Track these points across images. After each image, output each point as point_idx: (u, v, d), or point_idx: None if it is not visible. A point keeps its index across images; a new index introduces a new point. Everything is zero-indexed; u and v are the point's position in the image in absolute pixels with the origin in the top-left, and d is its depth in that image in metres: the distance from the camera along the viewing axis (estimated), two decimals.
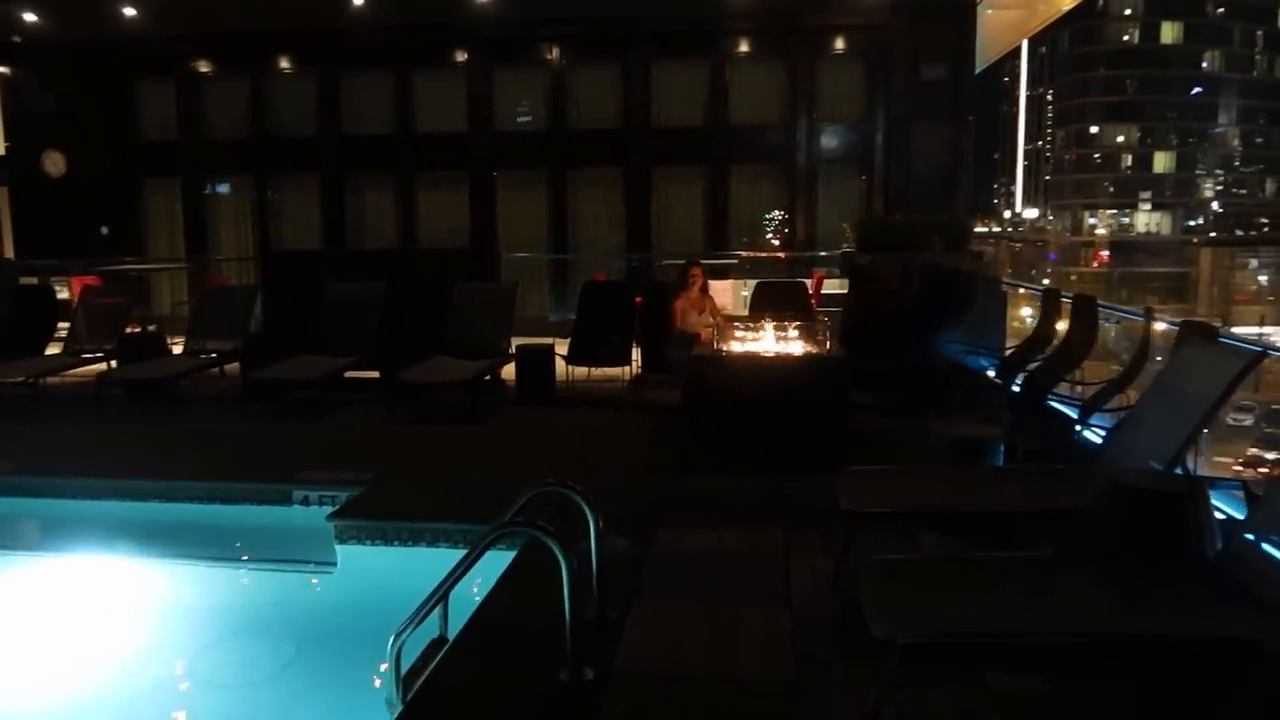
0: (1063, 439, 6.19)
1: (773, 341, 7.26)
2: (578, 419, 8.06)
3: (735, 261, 10.61)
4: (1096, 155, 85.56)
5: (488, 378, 8.77)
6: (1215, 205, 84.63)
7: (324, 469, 6.43)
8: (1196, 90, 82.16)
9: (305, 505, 6.22)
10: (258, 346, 9.36)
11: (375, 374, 8.85)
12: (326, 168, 15.03)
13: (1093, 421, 5.90)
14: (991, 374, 8.12)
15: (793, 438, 6.58)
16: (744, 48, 14.33)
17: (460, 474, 6.39)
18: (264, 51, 14.96)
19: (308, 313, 9.60)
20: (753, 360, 6.98)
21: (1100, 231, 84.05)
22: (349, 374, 8.83)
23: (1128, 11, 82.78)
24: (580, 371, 9.09)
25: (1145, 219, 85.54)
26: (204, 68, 15.40)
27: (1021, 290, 10.34)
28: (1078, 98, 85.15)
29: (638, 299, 9.30)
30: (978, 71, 14.36)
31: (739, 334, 7.42)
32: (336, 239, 14.90)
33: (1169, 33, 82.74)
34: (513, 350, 8.98)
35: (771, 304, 8.99)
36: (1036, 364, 7.24)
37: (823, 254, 13.26)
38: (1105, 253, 78.31)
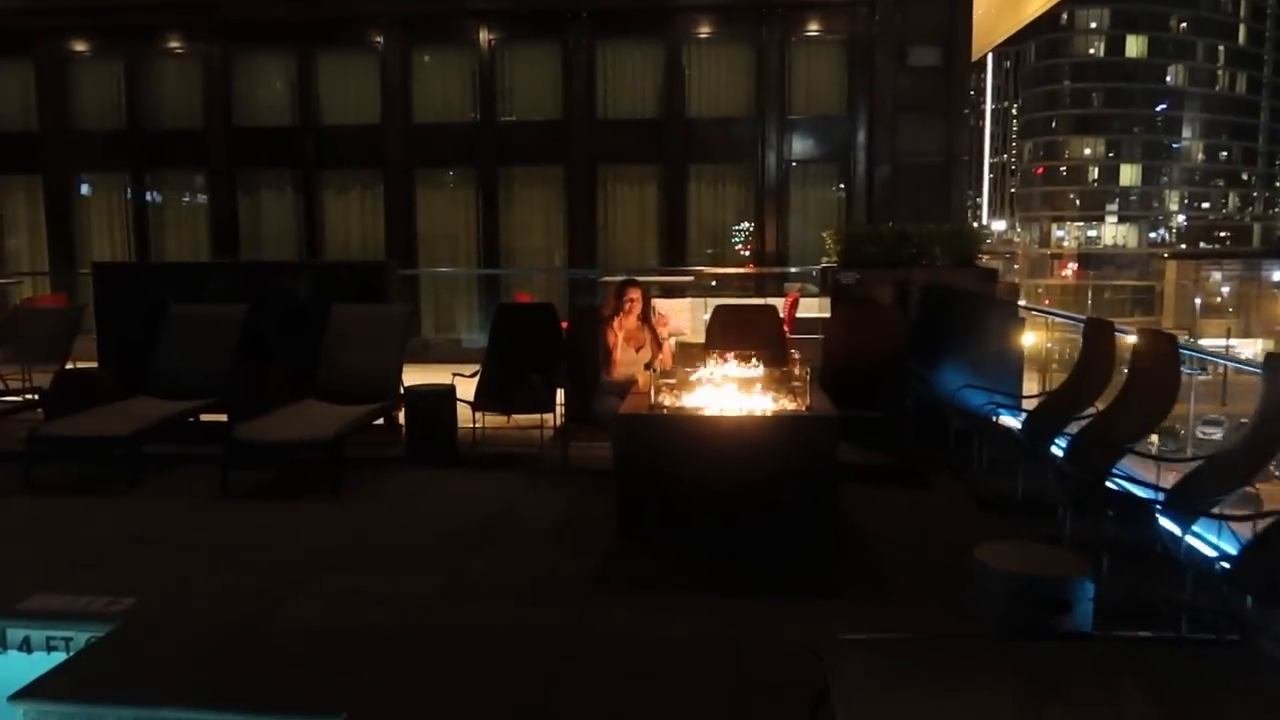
0: (1145, 540, 4.26)
1: (733, 391, 5.30)
2: (475, 491, 6.06)
3: (692, 279, 8.68)
4: (1063, 168, 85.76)
5: (380, 421, 7.01)
6: (1180, 218, 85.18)
7: (68, 589, 4.35)
8: (1161, 106, 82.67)
9: (26, 652, 4.13)
10: (68, 388, 7.26)
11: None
12: (215, 164, 12.81)
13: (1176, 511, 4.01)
14: (1014, 425, 6.22)
15: (759, 534, 4.62)
16: (705, 29, 12.35)
17: (264, 600, 4.28)
18: (142, 27, 12.70)
19: (151, 342, 7.55)
20: (704, 423, 4.97)
21: (1067, 244, 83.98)
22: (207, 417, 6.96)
23: (1093, 25, 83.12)
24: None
25: (1112, 231, 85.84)
26: (71, 47, 13.13)
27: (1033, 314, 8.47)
28: (1044, 110, 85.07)
29: (564, 323, 7.32)
30: (975, 57, 12.52)
31: (688, 380, 5.45)
32: (227, 248, 12.71)
33: (1134, 46, 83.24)
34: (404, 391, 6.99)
35: (735, 331, 7.06)
36: (1086, 420, 5.32)
37: (796, 270, 11.31)
38: (1074, 265, 78.05)
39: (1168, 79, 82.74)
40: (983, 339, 6.98)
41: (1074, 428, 5.41)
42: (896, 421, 6.45)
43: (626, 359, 6.12)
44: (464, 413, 6.87)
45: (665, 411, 5.04)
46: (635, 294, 6.22)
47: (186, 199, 13.26)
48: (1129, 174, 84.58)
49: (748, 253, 12.74)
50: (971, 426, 6.30)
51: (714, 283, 11.58)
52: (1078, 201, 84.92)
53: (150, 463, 6.29)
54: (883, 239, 7.71)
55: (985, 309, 6.92)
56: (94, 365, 7.78)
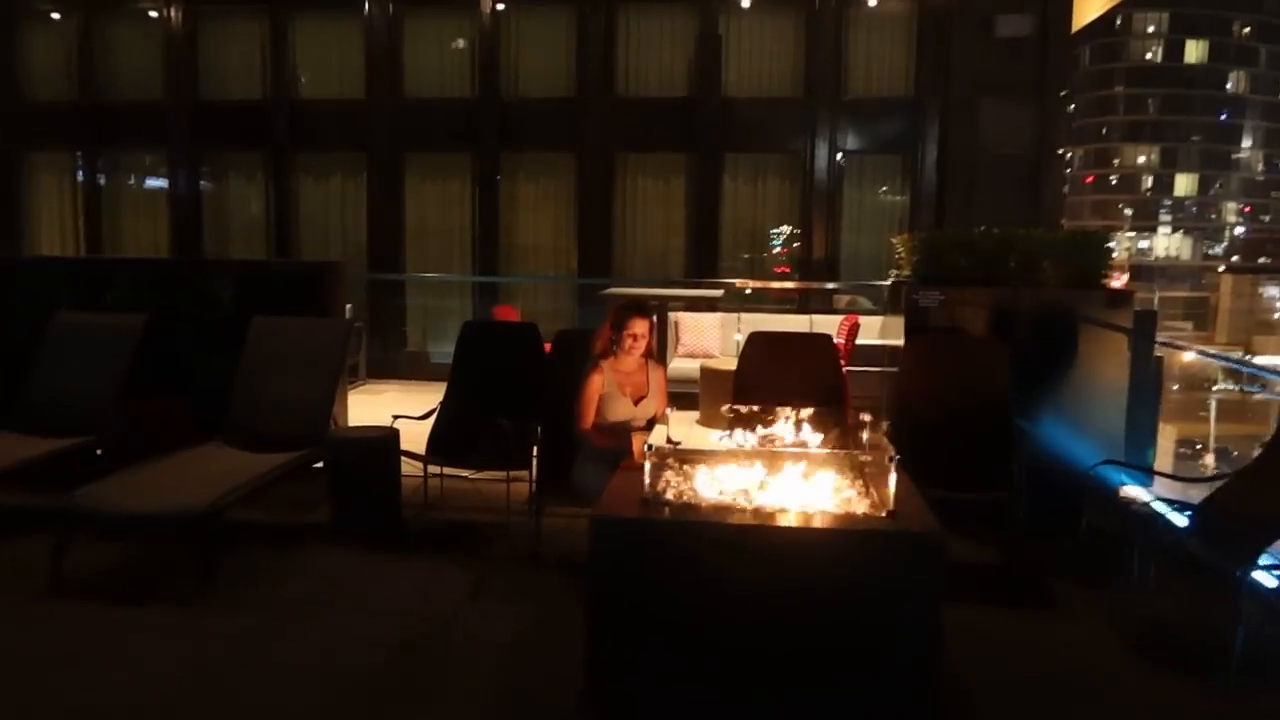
0: None
1: (772, 477, 3.48)
2: (404, 592, 4.32)
3: (722, 293, 6.86)
4: (1113, 177, 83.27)
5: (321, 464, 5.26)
6: (1238, 230, 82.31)
7: None
8: (1223, 115, 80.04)
9: None
10: None
11: None
12: (176, 143, 11.11)
13: None
14: (1180, 522, 4.33)
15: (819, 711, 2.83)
16: None
17: None
18: None
19: (27, 360, 5.94)
20: (730, 537, 3.15)
21: (1118, 255, 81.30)
22: None
23: (1151, 29, 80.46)
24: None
25: (1165, 243, 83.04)
26: (16, 6, 11.50)
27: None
28: (1095, 116, 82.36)
29: (548, 346, 5.58)
30: (1076, 28, 10.46)
31: (704, 456, 3.66)
32: (189, 241, 11.03)
33: (1193, 51, 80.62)
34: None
35: (774, 368, 5.19)
36: None
37: (848, 286, 9.39)
38: (1125, 276, 75.39)
39: (1228, 86, 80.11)
40: (1120, 392, 5.09)
41: None
42: (1003, 504, 4.56)
43: (619, 412, 4.28)
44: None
45: (668, 513, 3.19)
46: (641, 327, 4.35)
47: (145, 183, 11.57)
48: (1184, 184, 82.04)
49: (788, 260, 10.85)
50: (1116, 524, 4.40)
51: (748, 291, 9.73)
52: (1129, 211, 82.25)
53: None
54: (977, 247, 5.79)
55: (1134, 351, 5.00)
56: None
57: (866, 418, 4.06)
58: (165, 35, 11.07)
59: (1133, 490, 4.88)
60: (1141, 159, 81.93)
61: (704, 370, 7.79)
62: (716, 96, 10.47)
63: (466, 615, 3.98)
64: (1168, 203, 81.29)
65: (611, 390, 4.29)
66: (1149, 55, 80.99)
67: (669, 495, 3.31)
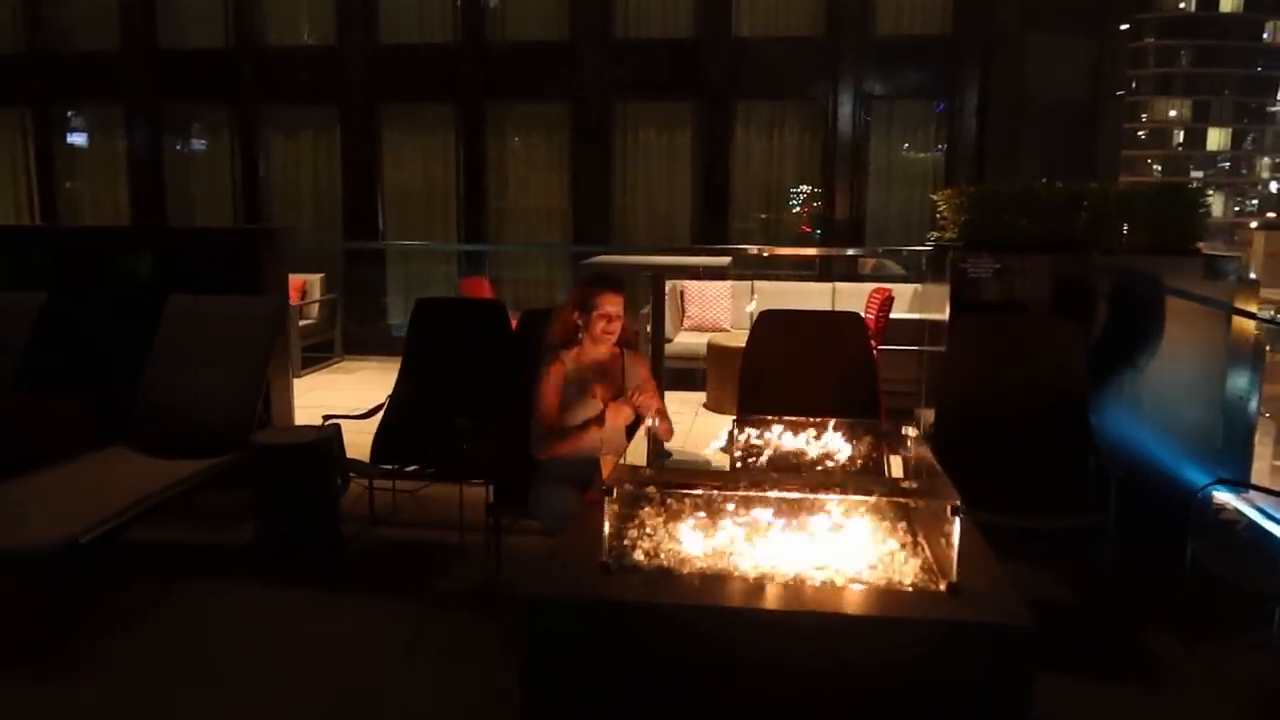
0: None
1: (780, 520, 2.50)
2: (319, 647, 3.45)
3: (728, 262, 5.85)
4: (1142, 131, 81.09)
5: (230, 472, 4.43)
6: (1273, 185, 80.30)
7: None
8: (1259, 67, 77.66)
9: None
10: None
11: None
12: (132, 98, 10.10)
13: None
14: None
15: None
16: None
17: None
18: None
19: None
20: (721, 624, 2.16)
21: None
22: None
23: None
24: None
25: None
26: None
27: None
28: (1127, 69, 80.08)
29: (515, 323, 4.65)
30: None
31: (695, 488, 2.69)
32: (150, 207, 10.06)
33: (1229, 0, 78.00)
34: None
35: (789, 356, 4.22)
36: None
37: (879, 251, 8.32)
38: None
39: (1264, 36, 77.62)
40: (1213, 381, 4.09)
41: None
42: (1085, 532, 3.58)
43: (581, 414, 3.28)
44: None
45: (632, 588, 2.23)
46: (614, 305, 3.34)
47: (100, 141, 10.57)
48: (1217, 138, 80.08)
49: (807, 219, 9.76)
50: (1234, 560, 3.42)
51: (765, 254, 8.70)
52: (1158, 167, 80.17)
53: None
54: (1041, 204, 4.73)
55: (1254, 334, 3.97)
56: None
57: (911, 432, 3.07)
58: None
59: (1249, 511, 3.90)
60: (1173, 113, 79.63)
61: (711, 347, 6.73)
62: (727, 36, 9.30)
63: (395, 682, 3.07)
64: (1200, 158, 79.14)
65: (575, 390, 3.30)
66: (1182, 5, 78.39)
67: (638, 554, 2.35)
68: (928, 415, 5.35)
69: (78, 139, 10.51)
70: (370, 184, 9.87)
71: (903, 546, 2.43)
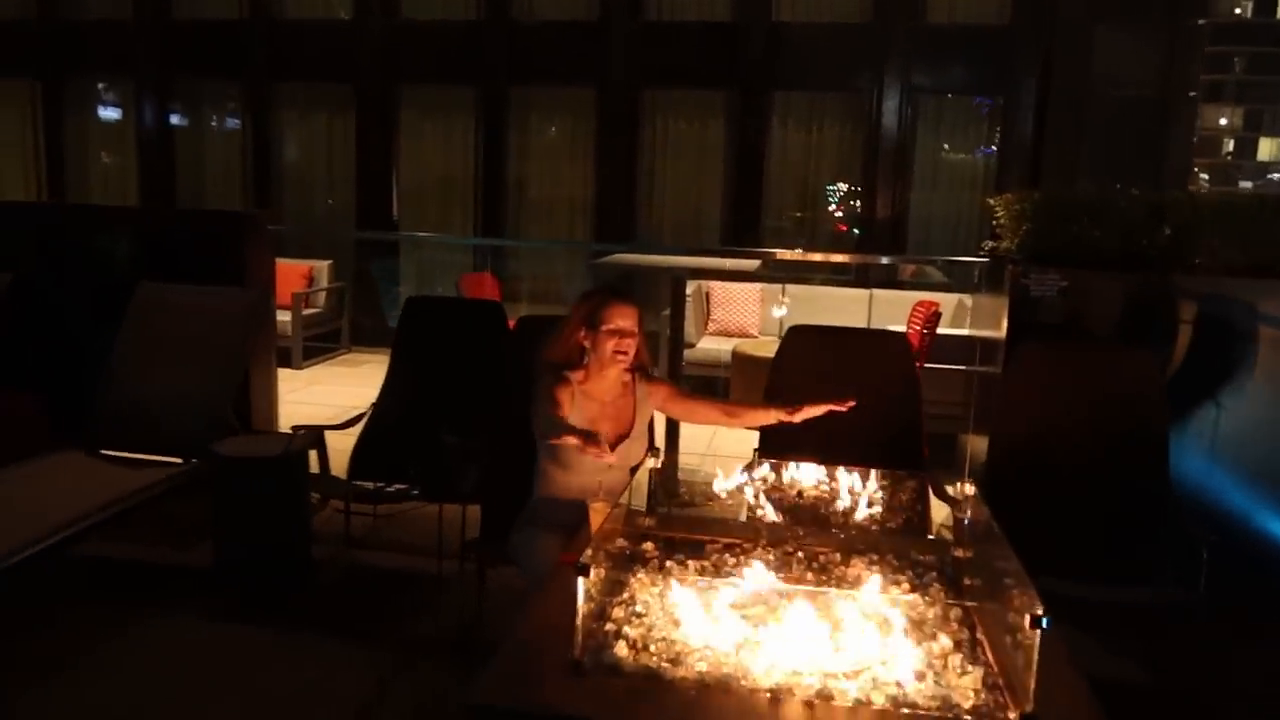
0: None
1: (803, 604, 1.95)
2: (276, 702, 2.99)
3: (758, 264, 5.31)
4: (1192, 139, 79.37)
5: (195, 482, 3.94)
6: None
7: None
8: None
9: None
10: None
11: None
12: (143, 71, 9.70)
13: None
14: None
15: None
16: None
17: None
18: None
19: None
20: None
21: None
22: None
23: None
24: None
25: None
26: None
27: None
28: (1201, 68, 78.59)
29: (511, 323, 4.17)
30: None
31: (701, 546, 2.18)
32: (160, 188, 9.67)
33: None
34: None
35: (822, 373, 3.69)
36: None
37: (927, 261, 7.73)
38: None
39: None
40: None
41: None
42: (1172, 605, 3.04)
43: (586, 463, 2.73)
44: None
45: (616, 694, 1.70)
46: (625, 319, 2.80)
47: (112, 116, 10.19)
48: (1269, 148, 78.27)
49: (843, 220, 9.17)
50: None
51: (799, 250, 8.19)
52: (1205, 177, 78.44)
53: None
54: (1117, 214, 4.15)
55: None
56: None
57: (969, 490, 2.51)
58: None
59: None
60: (1223, 120, 77.86)
61: (736, 355, 6.16)
62: (765, 20, 8.70)
63: None
64: (1250, 168, 77.37)
65: (581, 421, 2.76)
66: (1238, 10, 76.53)
67: (620, 647, 1.83)
68: (975, 443, 4.80)
69: (87, 113, 10.14)
70: (385, 168, 9.40)
71: (957, 646, 1.90)
